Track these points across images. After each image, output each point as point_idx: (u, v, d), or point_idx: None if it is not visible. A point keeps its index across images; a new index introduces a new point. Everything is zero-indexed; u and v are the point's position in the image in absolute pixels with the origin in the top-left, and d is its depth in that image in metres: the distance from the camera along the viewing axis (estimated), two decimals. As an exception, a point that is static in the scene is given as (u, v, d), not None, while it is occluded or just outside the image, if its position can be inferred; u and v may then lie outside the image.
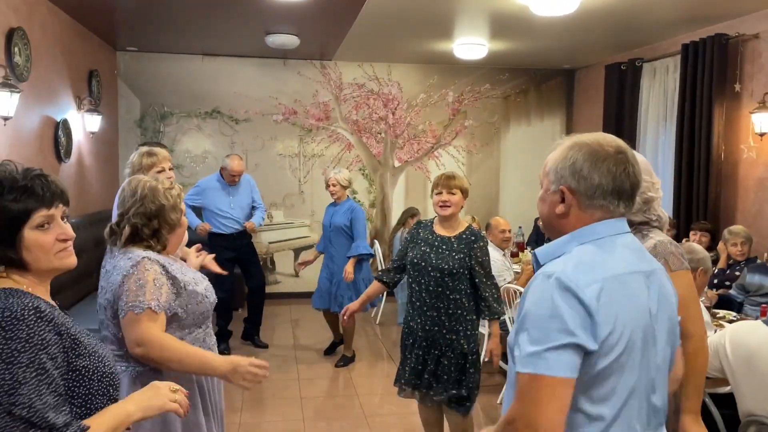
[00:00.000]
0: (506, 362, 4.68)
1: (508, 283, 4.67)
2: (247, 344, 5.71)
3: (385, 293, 6.72)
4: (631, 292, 1.33)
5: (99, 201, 5.98)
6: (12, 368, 1.26)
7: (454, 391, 3.08)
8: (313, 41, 6.34)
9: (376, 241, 7.25)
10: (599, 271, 1.30)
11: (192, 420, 2.06)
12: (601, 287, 1.28)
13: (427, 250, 3.14)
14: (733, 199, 5.27)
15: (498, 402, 4.37)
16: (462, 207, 3.19)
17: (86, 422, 1.36)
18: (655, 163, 6.29)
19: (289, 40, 6.10)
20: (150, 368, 2.00)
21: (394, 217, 7.41)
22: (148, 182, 2.09)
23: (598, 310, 1.26)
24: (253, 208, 5.58)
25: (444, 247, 3.11)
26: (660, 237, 2.02)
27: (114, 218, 2.15)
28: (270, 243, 7.50)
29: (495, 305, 3.10)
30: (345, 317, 3.36)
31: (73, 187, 5.39)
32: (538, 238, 7.05)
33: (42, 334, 1.31)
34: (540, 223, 1.46)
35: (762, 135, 4.88)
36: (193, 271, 2.20)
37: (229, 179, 5.42)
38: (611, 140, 1.40)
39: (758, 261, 4.38)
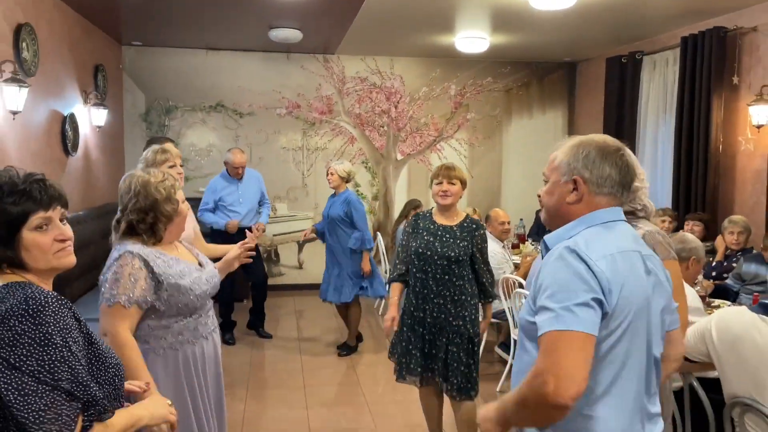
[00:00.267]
0: (506, 352, 4.74)
1: (508, 274, 4.74)
2: (252, 335, 5.81)
3: (388, 286, 6.84)
4: (633, 266, 1.50)
5: (105, 194, 6.07)
6: (49, 349, 1.33)
7: (463, 378, 3.15)
8: (316, 35, 6.40)
9: (378, 234, 7.33)
10: (607, 246, 1.48)
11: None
12: (610, 259, 1.45)
13: (431, 239, 3.22)
14: (731, 190, 5.32)
15: (497, 390, 4.46)
16: (461, 197, 3.28)
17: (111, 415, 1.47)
18: (654, 154, 6.35)
19: (293, 35, 6.16)
20: (151, 348, 2.12)
21: (397, 210, 7.48)
22: (140, 177, 2.17)
23: (609, 279, 1.42)
24: (260, 204, 5.67)
25: (447, 235, 3.20)
26: (648, 227, 2.10)
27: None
28: (274, 236, 7.58)
29: (490, 289, 3.31)
30: (388, 326, 3.28)
31: (79, 181, 5.48)
32: (539, 230, 7.10)
33: (66, 319, 1.39)
34: (542, 215, 1.60)
35: (759, 127, 4.93)
36: (185, 263, 2.23)
37: (233, 172, 5.51)
38: (611, 139, 1.61)
39: (754, 251, 4.43)
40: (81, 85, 5.53)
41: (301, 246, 7.69)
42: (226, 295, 5.26)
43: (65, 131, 5.06)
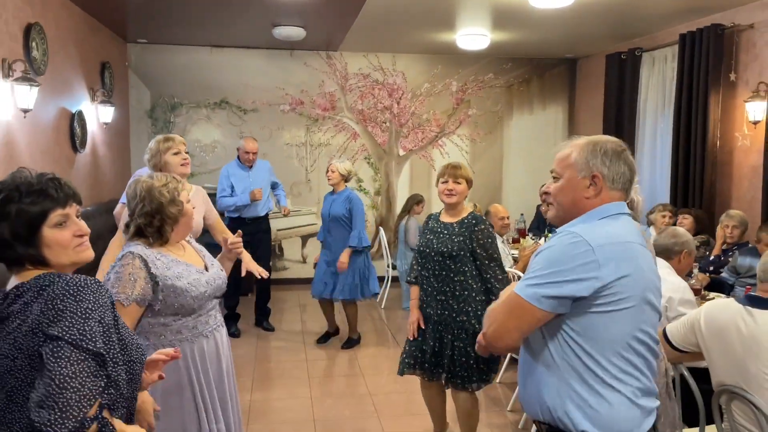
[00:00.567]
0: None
1: (508, 268, 4.83)
2: (257, 328, 5.91)
3: (390, 279, 6.94)
4: (634, 255, 1.61)
5: (112, 190, 6.18)
6: (90, 321, 1.44)
7: (469, 371, 3.19)
8: (319, 33, 6.48)
9: (381, 228, 7.43)
10: (610, 236, 1.60)
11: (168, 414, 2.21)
12: (609, 247, 1.57)
13: (431, 237, 3.30)
14: (728, 185, 5.40)
15: (497, 381, 4.55)
16: (466, 196, 3.33)
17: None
18: (653, 150, 6.42)
19: (296, 32, 6.25)
20: (151, 345, 2.21)
21: (399, 205, 7.57)
22: (145, 183, 2.26)
23: (601, 264, 1.54)
24: (273, 189, 5.79)
25: (446, 232, 3.26)
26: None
27: (119, 205, 2.32)
28: (278, 230, 7.68)
29: (497, 285, 3.17)
30: (412, 329, 3.35)
31: (87, 177, 5.58)
32: (540, 225, 7.18)
33: (104, 299, 1.50)
34: (553, 211, 1.77)
35: (756, 123, 5.00)
36: (186, 264, 2.30)
37: (245, 159, 5.63)
38: (613, 138, 1.74)
39: (749, 245, 4.52)
40: (88, 83, 5.63)
41: (304, 240, 7.79)
42: (231, 290, 5.35)
43: (73, 128, 5.15)
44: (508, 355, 4.83)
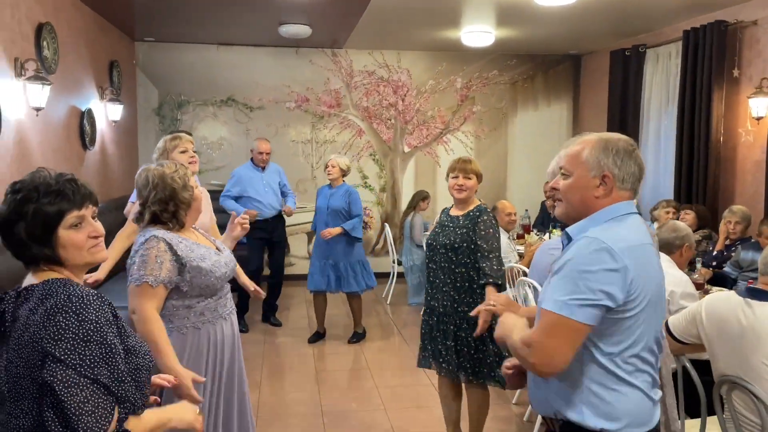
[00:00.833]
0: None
1: (513, 264, 4.88)
2: (264, 323, 5.98)
3: (395, 275, 6.99)
4: (647, 259, 1.63)
5: (121, 187, 6.25)
6: (90, 345, 1.42)
7: (475, 364, 3.23)
8: (324, 30, 6.54)
9: (386, 225, 7.48)
10: (626, 239, 1.59)
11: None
12: (628, 251, 1.56)
13: (438, 230, 3.36)
14: (731, 181, 5.44)
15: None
16: (476, 191, 3.37)
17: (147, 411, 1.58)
18: (657, 146, 6.46)
19: (302, 30, 6.30)
20: (174, 327, 2.28)
21: (404, 201, 7.63)
22: (156, 170, 2.32)
23: (628, 268, 1.54)
24: (284, 194, 5.85)
25: (451, 225, 3.31)
26: None
27: (129, 204, 2.38)
28: (284, 227, 7.73)
29: (489, 273, 3.16)
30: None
31: (97, 174, 5.66)
32: (544, 220, 7.23)
33: (106, 314, 1.49)
34: (561, 209, 1.75)
35: (759, 119, 5.04)
36: (205, 247, 2.40)
37: (258, 159, 5.71)
38: (624, 136, 1.73)
39: (752, 239, 4.56)
40: (97, 81, 5.70)
41: (310, 237, 7.85)
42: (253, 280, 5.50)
43: (83, 126, 5.22)
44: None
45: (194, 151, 3.29)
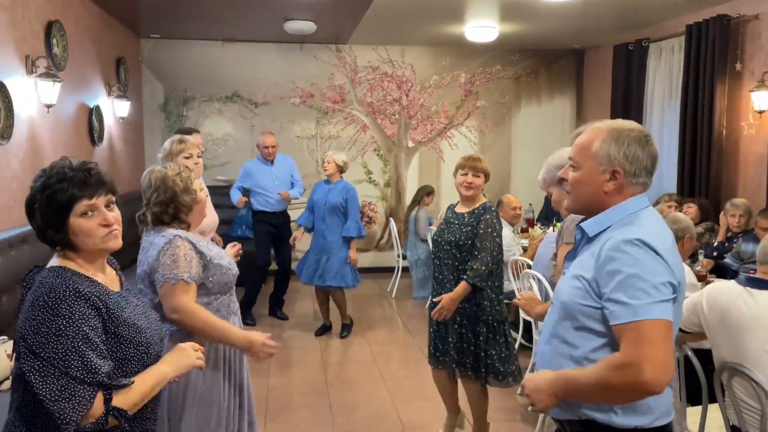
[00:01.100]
0: (515, 331, 4.92)
1: (518, 257, 4.94)
2: (270, 317, 6.05)
3: (400, 269, 7.05)
4: (675, 248, 1.60)
5: (128, 182, 6.32)
6: (61, 339, 1.48)
7: (474, 359, 3.28)
8: (329, 26, 6.58)
9: (391, 219, 7.54)
10: (662, 234, 1.57)
11: (209, 380, 2.37)
12: (661, 242, 1.53)
13: (444, 227, 3.40)
14: (734, 174, 5.48)
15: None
16: (483, 189, 3.40)
17: (134, 378, 1.60)
18: (660, 140, 6.49)
19: (307, 26, 6.35)
20: (183, 330, 2.32)
21: (408, 196, 7.68)
22: (158, 172, 2.36)
23: (672, 264, 1.52)
24: (293, 185, 5.93)
25: (457, 222, 3.35)
26: None
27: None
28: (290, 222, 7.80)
29: (471, 270, 3.18)
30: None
31: (105, 170, 5.71)
32: (548, 214, 7.27)
33: (81, 310, 1.53)
34: (569, 202, 1.72)
35: (761, 112, 5.08)
36: (217, 247, 2.49)
37: (265, 153, 5.77)
38: (637, 125, 1.66)
39: (753, 232, 4.60)
40: (104, 78, 5.76)
41: (302, 231, 7.90)
42: (260, 275, 5.74)
43: (92, 123, 5.29)
44: (517, 342, 4.95)
45: (198, 156, 3.28)
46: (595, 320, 1.56)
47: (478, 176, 3.31)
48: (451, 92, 7.95)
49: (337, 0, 5.43)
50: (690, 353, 2.60)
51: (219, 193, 5.85)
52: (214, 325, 2.28)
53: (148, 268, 2.30)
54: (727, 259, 4.46)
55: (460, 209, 3.41)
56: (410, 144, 7.98)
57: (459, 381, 3.47)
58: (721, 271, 4.35)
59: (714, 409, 2.61)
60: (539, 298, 3.40)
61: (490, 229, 3.25)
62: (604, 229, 1.62)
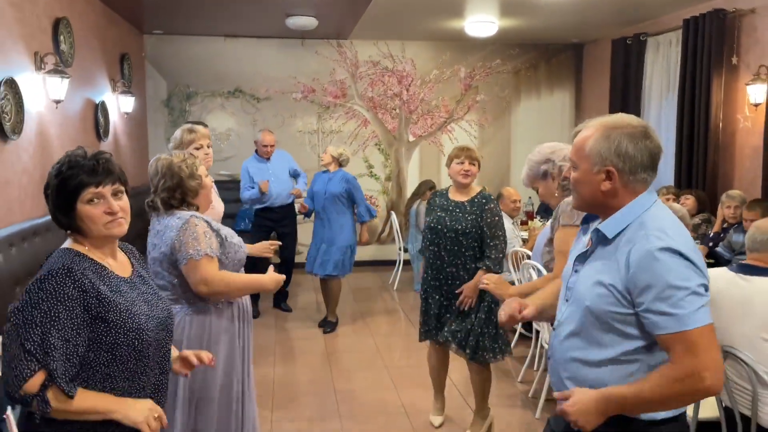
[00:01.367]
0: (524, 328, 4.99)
1: (518, 248, 5.02)
2: (275, 309, 6.15)
3: (402, 262, 7.14)
4: (697, 249, 1.59)
5: (132, 177, 6.39)
6: (34, 311, 1.56)
7: (478, 341, 3.41)
8: (330, 22, 6.65)
9: (392, 213, 7.63)
10: (684, 234, 1.57)
11: (230, 361, 2.50)
12: (693, 246, 1.55)
13: (443, 215, 3.51)
14: (730, 166, 5.56)
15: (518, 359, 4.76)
16: (475, 177, 3.56)
17: (80, 391, 1.60)
18: (658, 133, 6.49)
19: (308, 22, 6.42)
20: (200, 308, 2.45)
21: (409, 190, 7.76)
22: (165, 159, 2.49)
23: (700, 266, 1.53)
24: (294, 178, 6.02)
25: (458, 210, 3.47)
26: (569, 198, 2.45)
27: None
28: (295, 217, 7.88)
29: (490, 259, 3.39)
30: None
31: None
32: (547, 208, 7.36)
33: (65, 290, 1.59)
34: (574, 202, 1.72)
35: (757, 105, 5.16)
36: (226, 227, 2.61)
37: (263, 151, 5.84)
38: (635, 119, 1.63)
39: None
40: (109, 74, 5.83)
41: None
42: (257, 268, 5.64)
43: (98, 118, 5.37)
44: (517, 332, 5.05)
45: (208, 146, 3.35)
46: (630, 324, 1.57)
47: (474, 164, 3.47)
48: (451, 86, 8.03)
49: (339, -4, 5.50)
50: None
51: (222, 188, 5.82)
52: (243, 280, 2.50)
53: (167, 249, 2.39)
54: (719, 248, 4.56)
55: (457, 197, 3.53)
56: (411, 138, 8.06)
57: (467, 366, 3.61)
58: (716, 261, 4.44)
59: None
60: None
61: (497, 218, 3.44)
62: (621, 230, 1.60)
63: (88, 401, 1.62)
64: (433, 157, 8.12)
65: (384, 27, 6.96)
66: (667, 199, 5.34)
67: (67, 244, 1.71)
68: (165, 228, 2.43)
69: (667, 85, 6.40)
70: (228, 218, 4.55)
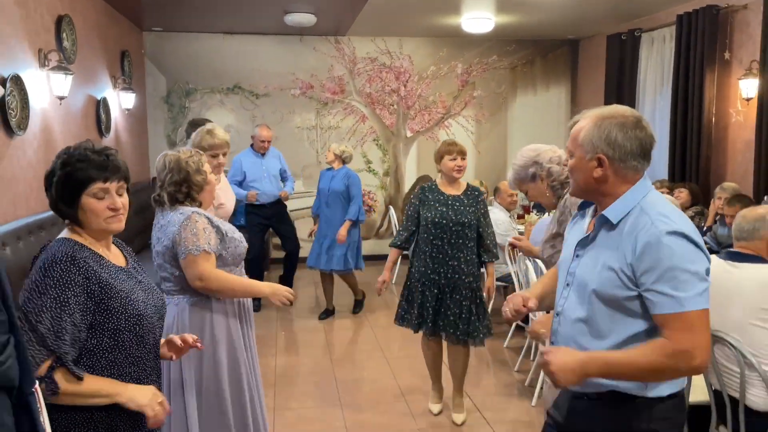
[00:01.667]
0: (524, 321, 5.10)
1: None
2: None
3: (400, 257, 7.22)
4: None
5: (132, 173, 6.37)
6: (42, 297, 1.62)
7: (470, 326, 3.60)
8: (328, 18, 6.71)
9: (391, 207, 7.71)
10: (686, 219, 1.62)
11: (233, 354, 2.58)
12: (685, 222, 1.60)
13: (444, 209, 3.61)
14: (723, 160, 5.66)
15: (505, 346, 4.86)
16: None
17: (85, 375, 1.65)
18: (652, 127, 6.63)
19: (307, 19, 6.48)
20: (201, 299, 2.53)
21: (407, 185, 7.85)
22: (172, 155, 2.56)
23: (704, 250, 1.59)
24: (283, 180, 6.07)
25: (458, 204, 3.61)
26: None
27: None
28: (290, 211, 7.95)
29: (494, 250, 3.71)
30: (380, 288, 3.86)
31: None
32: (543, 201, 7.44)
33: (71, 276, 1.64)
34: (572, 189, 1.79)
35: (749, 100, 5.25)
36: (228, 223, 2.68)
37: (259, 146, 5.91)
38: (628, 110, 1.69)
39: (730, 216, 4.78)
40: (110, 71, 5.89)
41: (315, 220, 8.06)
42: (257, 265, 5.81)
43: (99, 114, 5.43)
44: (514, 323, 5.13)
45: (224, 155, 3.14)
46: (634, 305, 1.62)
47: (464, 159, 3.64)
48: (448, 82, 8.10)
49: (337, -7, 5.56)
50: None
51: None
52: (238, 282, 2.54)
53: (169, 243, 2.47)
54: (706, 238, 4.66)
55: (451, 191, 3.67)
56: (408, 134, 8.13)
57: (448, 350, 3.79)
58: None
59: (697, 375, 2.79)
60: (534, 278, 3.64)
61: (487, 209, 3.70)
62: (625, 216, 1.65)
63: (95, 384, 1.66)
64: (430, 153, 8.12)
65: (381, 23, 7.02)
66: (661, 192, 5.43)
67: (65, 234, 1.75)
68: (168, 223, 2.50)
69: (661, 80, 6.49)
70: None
